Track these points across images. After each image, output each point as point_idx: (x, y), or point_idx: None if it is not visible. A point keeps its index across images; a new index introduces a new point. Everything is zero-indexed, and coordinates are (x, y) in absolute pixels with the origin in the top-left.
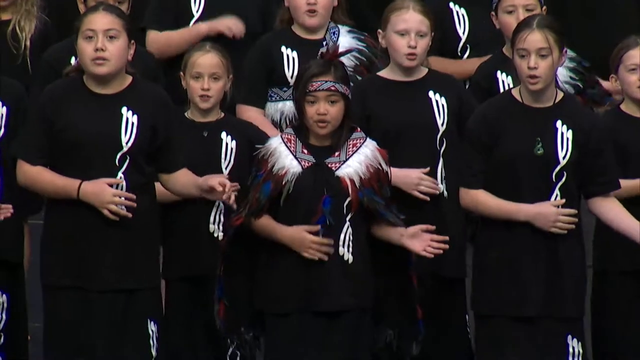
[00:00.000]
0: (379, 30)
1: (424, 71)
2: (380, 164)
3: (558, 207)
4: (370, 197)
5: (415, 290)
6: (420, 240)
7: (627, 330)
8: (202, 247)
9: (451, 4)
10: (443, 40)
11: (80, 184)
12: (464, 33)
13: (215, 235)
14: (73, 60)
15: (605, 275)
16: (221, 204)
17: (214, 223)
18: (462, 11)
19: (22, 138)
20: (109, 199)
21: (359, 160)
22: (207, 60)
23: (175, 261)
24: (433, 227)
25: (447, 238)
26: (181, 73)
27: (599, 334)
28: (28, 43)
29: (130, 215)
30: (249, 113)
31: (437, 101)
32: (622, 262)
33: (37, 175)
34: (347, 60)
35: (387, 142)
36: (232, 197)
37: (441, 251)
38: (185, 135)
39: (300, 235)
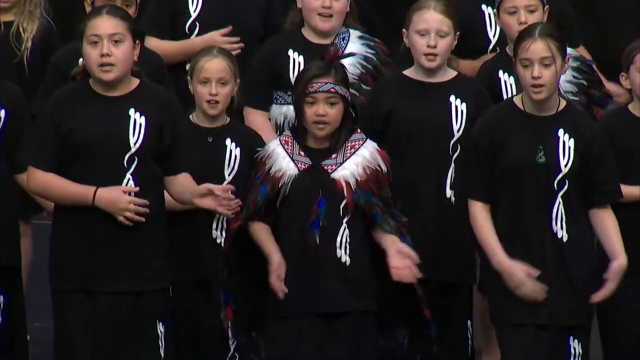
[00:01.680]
0: (403, 30)
1: (450, 74)
2: (379, 165)
3: None
4: (367, 199)
5: (417, 290)
6: (401, 261)
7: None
8: (205, 253)
9: (483, 6)
10: (474, 42)
11: (96, 191)
12: (494, 36)
13: (218, 241)
14: (80, 62)
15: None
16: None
17: (216, 229)
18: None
19: (31, 145)
20: (124, 205)
21: (355, 162)
22: (215, 65)
23: (177, 266)
24: (418, 260)
25: (420, 276)
26: (188, 78)
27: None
28: (29, 44)
29: (143, 219)
30: (252, 116)
31: (456, 106)
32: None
33: (49, 182)
34: (352, 68)
35: (401, 141)
36: (226, 208)
37: (409, 280)
38: (189, 140)
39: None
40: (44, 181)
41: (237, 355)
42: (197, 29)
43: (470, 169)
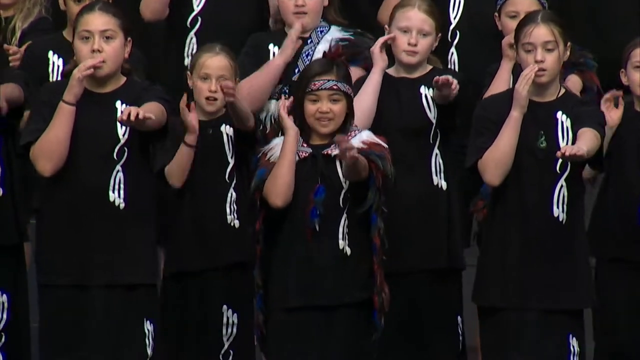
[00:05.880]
0: (386, 26)
1: (426, 69)
2: (378, 142)
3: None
4: (373, 155)
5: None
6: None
7: (626, 321)
8: (217, 237)
9: None
10: None
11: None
12: (455, 18)
13: (232, 224)
14: (50, 55)
15: (598, 263)
16: (233, 194)
17: (230, 214)
18: None
19: (28, 129)
20: (77, 74)
21: (354, 142)
22: (216, 62)
23: (188, 252)
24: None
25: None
26: (188, 73)
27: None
28: (18, 35)
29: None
30: (247, 82)
31: (426, 95)
32: (614, 250)
33: (41, 140)
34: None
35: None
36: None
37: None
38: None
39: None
40: (40, 143)
41: (232, 352)
42: (198, 24)
43: (478, 139)
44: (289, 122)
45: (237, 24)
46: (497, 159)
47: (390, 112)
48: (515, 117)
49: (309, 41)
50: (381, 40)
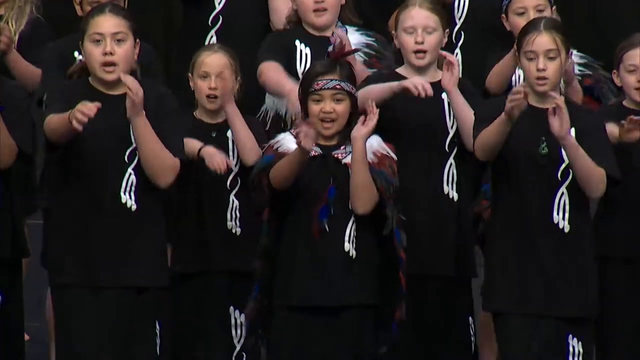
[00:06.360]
0: (393, 32)
1: (439, 73)
2: (388, 152)
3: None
4: (382, 178)
5: (400, 291)
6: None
7: (626, 320)
8: (218, 243)
9: None
10: None
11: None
12: (460, 19)
13: (234, 231)
14: (76, 54)
15: (604, 263)
16: (235, 201)
17: (231, 220)
18: None
19: (48, 99)
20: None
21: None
22: (215, 60)
23: (189, 256)
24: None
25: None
26: (189, 74)
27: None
28: (16, 38)
29: (85, 119)
30: (266, 67)
31: (448, 103)
32: (621, 250)
33: (49, 121)
34: (357, 57)
35: (395, 139)
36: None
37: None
38: (194, 136)
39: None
40: (47, 122)
41: (244, 355)
42: (219, 22)
43: (481, 118)
44: (305, 147)
45: (258, 23)
46: (480, 144)
47: (407, 114)
48: (503, 118)
49: (336, 44)
50: (407, 86)
